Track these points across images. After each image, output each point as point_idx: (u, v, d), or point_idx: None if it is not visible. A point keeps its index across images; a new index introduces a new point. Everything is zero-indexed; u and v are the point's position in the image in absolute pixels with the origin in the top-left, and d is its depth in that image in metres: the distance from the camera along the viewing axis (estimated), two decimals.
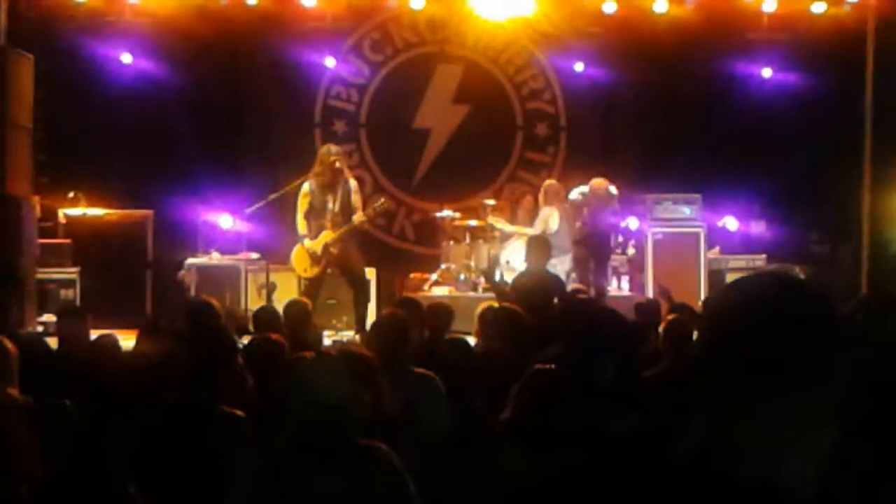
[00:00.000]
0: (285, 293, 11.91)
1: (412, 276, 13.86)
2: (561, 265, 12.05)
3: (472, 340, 7.59)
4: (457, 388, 5.79)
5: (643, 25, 14.32)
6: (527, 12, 14.21)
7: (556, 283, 10.03)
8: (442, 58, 15.27)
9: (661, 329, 6.90)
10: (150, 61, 14.09)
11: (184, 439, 4.42)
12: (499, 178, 15.31)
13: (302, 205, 11.32)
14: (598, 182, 12.88)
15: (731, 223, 14.44)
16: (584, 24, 14.77)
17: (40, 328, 11.08)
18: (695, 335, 5.19)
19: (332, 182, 11.22)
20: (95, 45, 13.89)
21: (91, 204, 13.61)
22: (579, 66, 14.96)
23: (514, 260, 12.75)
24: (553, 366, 4.88)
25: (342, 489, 3.63)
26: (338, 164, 11.25)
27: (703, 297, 12.52)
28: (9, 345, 5.02)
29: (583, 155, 15.09)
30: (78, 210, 13.54)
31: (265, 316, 8.06)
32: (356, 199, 11.35)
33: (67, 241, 13.10)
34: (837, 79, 14.21)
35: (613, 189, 12.99)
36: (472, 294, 12.73)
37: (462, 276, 13.13)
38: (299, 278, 11.63)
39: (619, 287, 13.63)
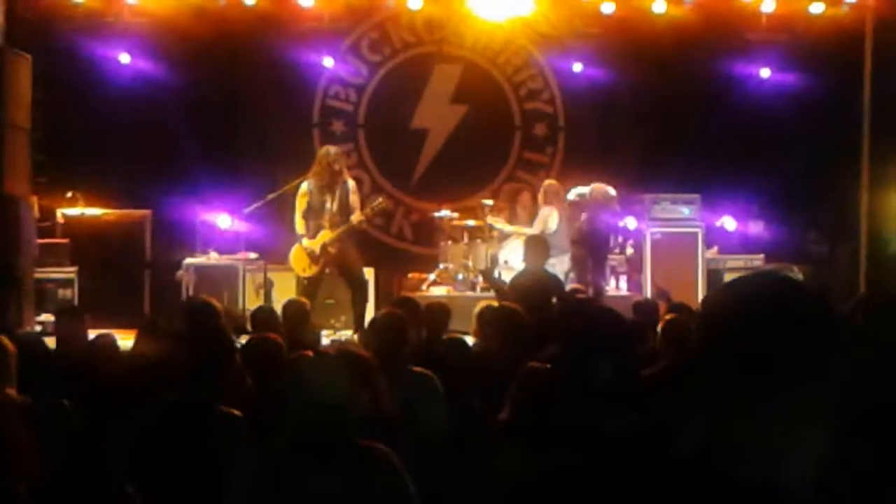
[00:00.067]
0: (283, 293, 11.92)
1: (410, 275, 13.86)
2: (560, 265, 12.06)
3: (470, 340, 7.59)
4: (455, 387, 5.79)
5: (642, 26, 14.32)
6: (525, 12, 14.20)
7: (554, 282, 10.03)
8: (440, 58, 15.26)
9: (659, 328, 6.90)
10: (149, 62, 14.08)
11: (181, 439, 4.42)
12: (497, 178, 15.30)
13: (300, 205, 11.32)
14: (598, 186, 12.91)
15: (729, 223, 14.44)
16: (582, 25, 14.77)
17: (38, 328, 11.08)
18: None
19: (330, 182, 11.22)
20: (93, 46, 13.88)
21: (89, 204, 13.60)
22: (578, 67, 14.96)
23: (512, 259, 12.76)
24: (548, 365, 4.88)
25: (341, 489, 3.63)
26: (336, 167, 11.25)
27: (701, 296, 12.52)
28: (7, 344, 5.02)
29: (581, 155, 15.10)
30: (76, 210, 13.54)
31: (263, 315, 8.06)
32: (354, 199, 11.36)
33: (65, 240, 13.10)
34: (836, 79, 14.21)
35: (612, 191, 13.00)
36: (469, 294, 12.72)
37: (460, 276, 13.13)
38: (297, 278, 11.63)
39: (617, 287, 13.64)
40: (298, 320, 7.90)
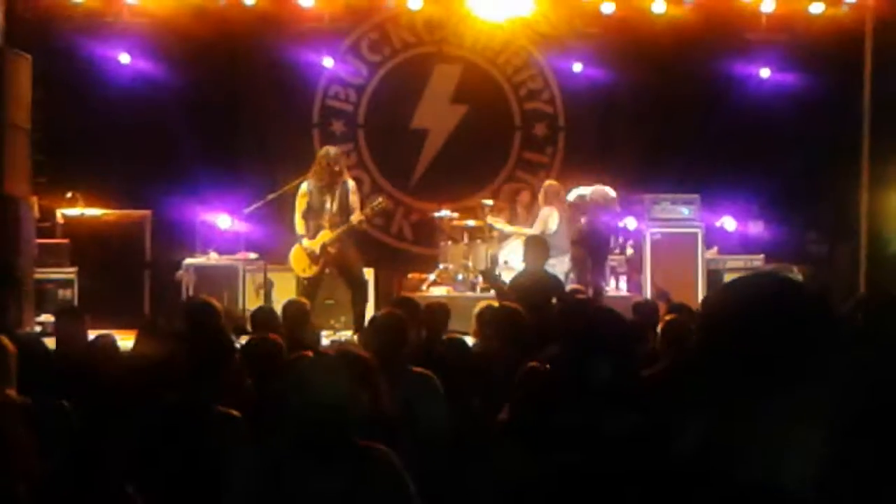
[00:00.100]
0: (283, 293, 11.91)
1: (410, 276, 13.86)
2: (560, 265, 12.05)
3: (469, 340, 7.59)
4: (454, 387, 5.79)
5: (641, 26, 14.33)
6: (525, 13, 14.20)
7: (554, 282, 10.04)
8: (440, 58, 15.27)
9: (659, 329, 6.90)
10: (148, 62, 14.08)
11: (181, 439, 4.41)
12: (497, 178, 15.31)
13: (300, 205, 11.32)
14: (598, 188, 12.93)
15: (729, 223, 14.44)
16: (582, 25, 14.77)
17: (38, 328, 11.08)
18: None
19: (330, 182, 11.22)
20: (93, 46, 13.88)
21: (89, 204, 13.60)
22: (578, 67, 14.96)
23: (512, 260, 12.76)
24: (547, 365, 4.88)
25: (341, 489, 3.63)
26: (336, 167, 11.25)
27: (701, 297, 12.51)
28: (8, 344, 5.02)
29: (581, 155, 15.10)
30: (76, 210, 13.54)
31: (263, 316, 8.06)
32: (354, 199, 11.35)
33: (65, 241, 13.10)
34: (835, 79, 14.21)
35: (612, 193, 13.01)
36: (469, 294, 12.72)
37: (460, 276, 13.13)
38: (297, 278, 11.63)
39: (616, 287, 13.64)
40: (298, 321, 7.89)
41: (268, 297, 12.55)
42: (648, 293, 12.78)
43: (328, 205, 11.23)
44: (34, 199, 12.19)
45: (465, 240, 13.39)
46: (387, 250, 14.92)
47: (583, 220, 12.77)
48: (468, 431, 5.63)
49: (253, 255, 13.12)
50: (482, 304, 7.80)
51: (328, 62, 14.79)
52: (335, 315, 12.64)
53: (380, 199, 12.15)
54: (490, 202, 13.70)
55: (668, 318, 6.98)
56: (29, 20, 12.94)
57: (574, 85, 15.14)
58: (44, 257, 12.32)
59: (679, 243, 13.39)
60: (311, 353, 5.45)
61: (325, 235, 11.24)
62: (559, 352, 4.11)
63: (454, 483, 5.20)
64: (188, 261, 13.01)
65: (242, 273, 12.98)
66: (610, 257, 13.40)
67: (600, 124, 15.35)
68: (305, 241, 11.30)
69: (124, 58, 14.03)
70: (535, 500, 3.25)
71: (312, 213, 11.28)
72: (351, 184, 11.46)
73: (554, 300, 9.09)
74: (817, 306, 1.79)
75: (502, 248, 13.21)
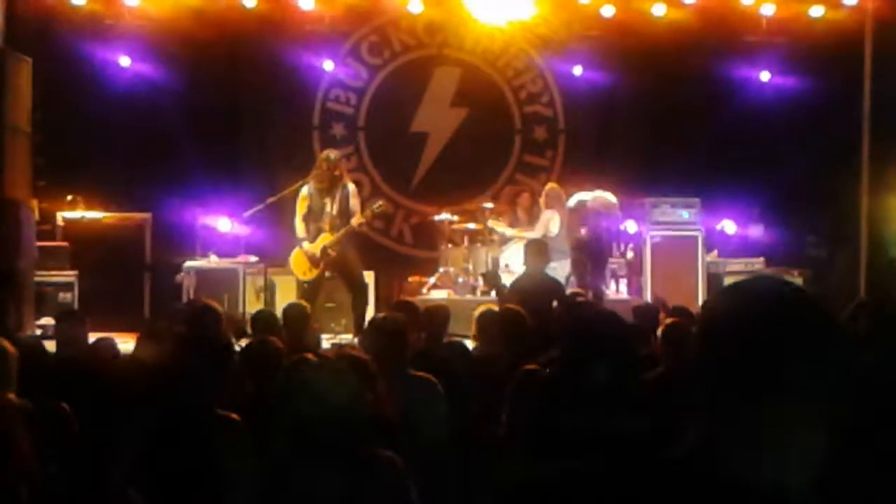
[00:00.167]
0: (284, 296, 11.93)
1: (410, 279, 13.87)
2: (561, 269, 12.05)
3: (469, 343, 7.59)
4: (454, 391, 5.79)
5: (642, 29, 14.34)
6: (525, 16, 14.21)
7: (555, 286, 10.04)
8: (440, 61, 15.28)
9: (659, 332, 6.90)
10: (149, 64, 14.09)
11: (180, 442, 4.41)
12: (497, 181, 15.32)
13: (300, 208, 11.32)
14: (599, 195, 12.96)
15: (729, 227, 14.45)
16: (582, 28, 14.78)
17: (38, 331, 11.07)
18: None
19: (330, 186, 11.22)
20: (94, 48, 13.89)
21: (89, 207, 13.61)
22: (578, 70, 14.98)
23: (513, 263, 12.75)
24: (546, 368, 4.88)
25: (344, 494, 3.62)
26: (337, 170, 11.26)
27: (701, 300, 12.51)
28: (8, 347, 5.02)
29: (581, 158, 15.12)
30: (76, 213, 13.54)
31: (264, 319, 8.06)
32: (354, 202, 11.35)
33: (65, 244, 13.10)
34: (835, 82, 14.21)
35: (613, 198, 13.02)
36: (470, 297, 12.73)
37: (460, 279, 13.13)
38: (298, 281, 11.63)
39: (617, 290, 13.64)
40: (299, 324, 7.89)
41: (270, 299, 12.55)
42: (648, 296, 12.78)
43: (328, 208, 11.23)
44: (34, 202, 12.18)
45: (466, 243, 13.40)
46: (387, 253, 14.92)
47: (583, 228, 12.77)
48: (468, 435, 5.63)
49: (253, 259, 13.13)
50: (482, 307, 7.80)
51: (328, 65, 14.80)
52: (335, 318, 12.64)
53: (380, 203, 12.15)
54: (490, 205, 13.71)
55: (668, 321, 6.97)
56: (29, 23, 12.95)
57: (574, 88, 15.16)
58: (44, 260, 12.32)
59: (679, 247, 13.39)
60: (311, 355, 5.45)
61: (326, 238, 11.24)
62: (559, 355, 4.11)
63: (455, 487, 5.21)
64: (188, 264, 13.01)
65: (243, 276, 12.98)
66: (610, 260, 13.40)
67: (600, 127, 15.35)
68: (306, 245, 11.30)
69: (125, 60, 14.04)
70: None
71: (313, 216, 11.28)
72: (351, 187, 11.47)
73: (554, 303, 9.09)
74: (817, 310, 1.79)
75: (503, 251, 13.21)
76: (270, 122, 14.82)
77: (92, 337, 7.42)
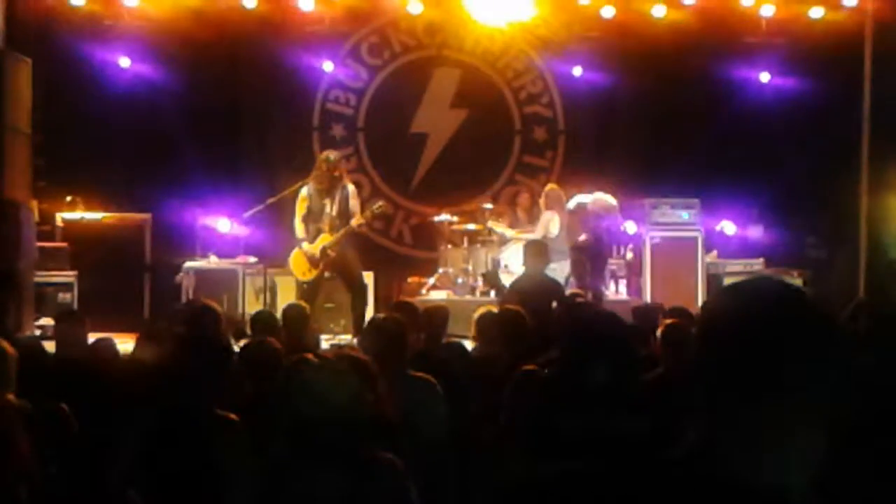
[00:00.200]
0: (283, 297, 11.92)
1: (410, 279, 13.87)
2: (560, 269, 12.05)
3: (468, 344, 7.59)
4: (453, 392, 5.78)
5: (641, 30, 14.34)
6: (525, 17, 14.20)
7: (554, 286, 10.04)
8: (440, 62, 15.28)
9: (658, 333, 6.90)
10: (148, 65, 14.10)
11: (179, 443, 4.41)
12: (497, 181, 15.32)
13: (300, 209, 11.32)
14: (599, 197, 12.96)
15: (728, 227, 14.46)
16: (582, 29, 14.78)
17: (38, 331, 11.07)
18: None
19: (330, 186, 11.21)
20: (93, 49, 13.90)
21: (89, 207, 13.61)
22: (577, 71, 14.98)
23: (512, 264, 12.76)
24: (545, 369, 4.88)
25: (345, 496, 3.61)
26: (336, 171, 11.25)
27: (700, 301, 12.51)
28: (7, 348, 5.02)
29: (581, 159, 15.12)
30: (76, 214, 13.55)
31: (263, 319, 8.05)
32: (354, 203, 11.35)
33: (65, 244, 13.10)
34: (835, 83, 14.22)
35: (613, 200, 13.03)
36: (469, 297, 12.73)
37: (460, 280, 13.14)
38: (297, 282, 11.63)
39: (616, 291, 13.64)
40: (298, 324, 7.89)
41: (273, 300, 12.54)
42: (648, 297, 12.78)
43: (328, 208, 11.23)
44: (34, 203, 12.19)
45: (465, 243, 13.41)
46: (386, 254, 14.92)
47: (583, 234, 12.78)
48: (467, 436, 5.63)
49: (253, 259, 13.13)
50: (482, 309, 7.79)
51: (328, 66, 14.81)
52: (335, 319, 12.64)
53: (380, 204, 12.14)
54: (490, 206, 13.72)
55: (667, 321, 6.97)
56: (29, 23, 12.95)
57: (574, 89, 15.16)
58: (44, 261, 12.31)
59: (679, 247, 13.38)
60: (310, 355, 5.45)
61: (325, 239, 11.23)
62: (559, 355, 4.11)
63: (454, 488, 5.20)
64: (188, 264, 13.02)
65: (242, 277, 12.98)
66: (610, 261, 13.40)
67: (600, 128, 15.36)
68: (305, 245, 11.30)
69: (124, 61, 14.05)
70: None
71: (312, 216, 11.28)
72: (351, 188, 11.47)
73: (554, 304, 9.09)
74: (816, 311, 1.79)
75: (502, 251, 13.21)
76: (270, 122, 14.82)
77: (91, 337, 7.42)
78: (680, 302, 10.02)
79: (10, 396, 4.84)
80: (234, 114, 14.67)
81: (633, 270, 13.68)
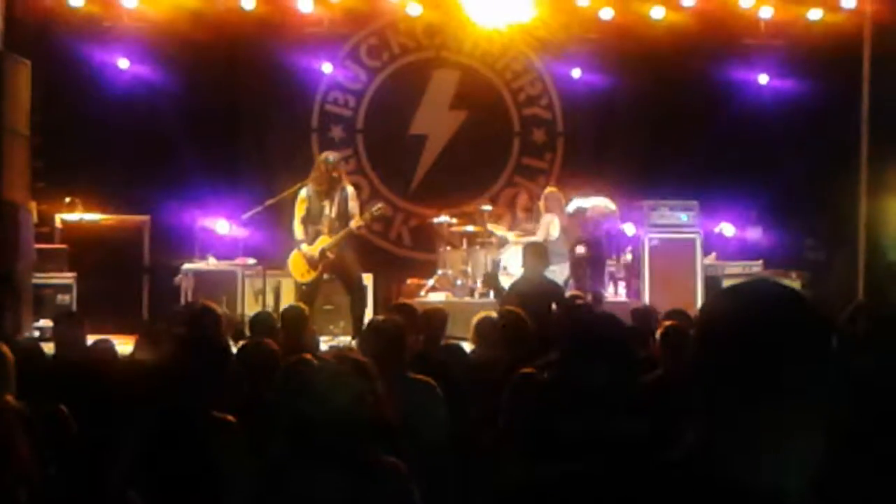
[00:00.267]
0: (287, 299, 11.90)
1: (409, 281, 13.87)
2: (561, 272, 12.06)
3: (467, 346, 7.58)
4: (452, 394, 5.78)
5: (640, 31, 14.34)
6: (524, 18, 14.20)
7: (553, 288, 10.03)
8: (439, 63, 15.28)
9: (657, 335, 6.90)
10: (147, 66, 14.10)
11: (177, 444, 4.41)
12: (496, 183, 15.32)
13: (299, 210, 11.32)
14: (598, 203, 12.97)
15: (727, 229, 14.45)
16: (581, 30, 14.78)
17: (37, 333, 11.07)
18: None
19: (329, 188, 11.22)
20: (92, 51, 13.90)
21: (88, 209, 13.61)
22: (576, 72, 14.98)
23: (511, 265, 12.75)
24: (544, 371, 4.88)
25: (346, 499, 3.60)
26: (335, 173, 11.26)
27: (699, 303, 12.50)
28: (6, 350, 5.02)
29: (580, 160, 15.12)
30: (75, 215, 13.55)
31: (262, 321, 8.05)
32: (353, 205, 11.35)
33: (64, 246, 13.11)
34: (834, 85, 14.21)
35: (612, 205, 13.04)
36: (468, 299, 12.74)
37: (459, 282, 13.14)
38: (296, 283, 11.63)
39: (615, 293, 13.64)
40: (298, 326, 7.88)
41: (276, 301, 12.51)
42: (647, 299, 12.77)
43: (327, 210, 11.23)
44: (33, 205, 12.18)
45: (464, 245, 13.41)
46: (385, 256, 14.92)
47: (581, 240, 12.79)
48: (467, 438, 5.62)
49: (251, 261, 13.13)
50: (480, 315, 7.75)
51: (327, 67, 14.81)
52: (334, 320, 12.64)
53: (379, 206, 12.14)
54: (489, 208, 13.72)
55: (666, 323, 6.98)
56: (28, 25, 12.95)
57: (573, 90, 15.16)
58: (42, 262, 12.32)
59: (677, 249, 13.37)
60: (309, 356, 5.45)
61: (324, 241, 11.23)
62: (558, 357, 4.11)
63: (453, 490, 5.20)
64: (187, 266, 13.02)
65: (241, 278, 12.99)
66: (608, 263, 13.40)
67: (599, 130, 15.36)
68: (304, 247, 11.30)
69: (123, 63, 14.05)
70: None
71: (311, 218, 11.28)
72: (350, 189, 11.47)
73: (553, 306, 9.09)
74: (815, 313, 1.80)
75: (501, 253, 13.21)
76: (269, 124, 14.82)
77: (90, 339, 7.41)
78: (679, 304, 10.01)
79: (9, 398, 4.84)
80: (232, 115, 14.67)
81: (632, 272, 13.68)
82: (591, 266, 12.66)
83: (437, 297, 12.78)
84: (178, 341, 5.15)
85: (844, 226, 14.28)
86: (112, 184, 13.71)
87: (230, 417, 4.61)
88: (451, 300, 12.50)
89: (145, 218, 13.70)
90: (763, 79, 14.85)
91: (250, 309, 11.90)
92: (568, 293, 10.81)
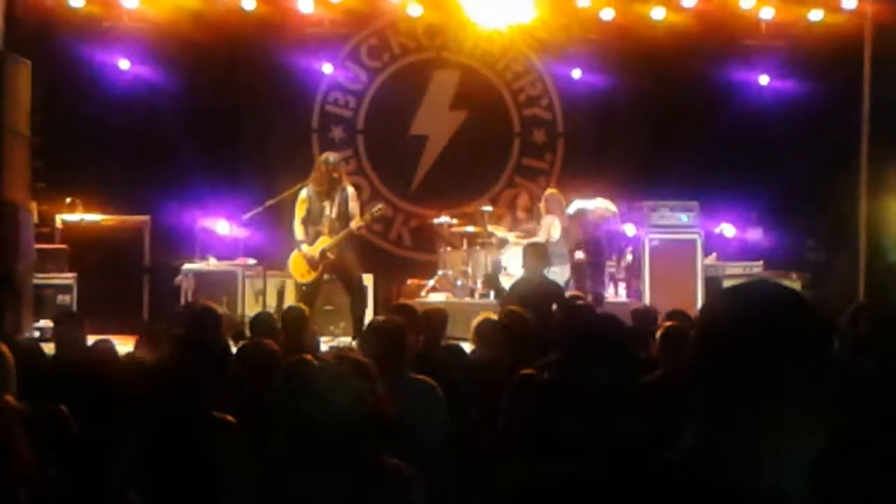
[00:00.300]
0: (291, 299, 11.89)
1: (409, 282, 13.87)
2: (561, 273, 12.05)
3: (467, 347, 7.58)
4: (452, 394, 5.78)
5: (641, 32, 14.34)
6: (524, 19, 14.20)
7: (554, 289, 10.03)
8: (439, 64, 15.28)
9: (657, 335, 6.90)
10: (148, 67, 14.10)
11: (178, 445, 4.41)
12: (496, 184, 15.32)
13: (299, 211, 11.32)
14: (599, 205, 12.97)
15: (727, 230, 14.45)
16: (581, 31, 14.78)
17: (37, 333, 11.08)
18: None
19: (329, 189, 11.22)
20: (93, 51, 13.90)
21: (88, 209, 13.62)
22: (577, 73, 14.98)
23: (511, 266, 12.75)
24: (545, 372, 4.88)
25: (347, 499, 3.60)
26: (336, 173, 11.26)
27: (699, 303, 12.50)
28: (6, 350, 5.02)
29: (580, 161, 15.12)
30: (75, 215, 13.55)
31: (262, 321, 8.05)
32: (353, 205, 11.36)
33: (64, 246, 13.11)
34: (834, 86, 14.21)
35: (613, 207, 13.03)
36: (468, 300, 12.74)
37: (459, 282, 13.14)
38: (296, 284, 11.63)
39: (616, 293, 13.64)
40: (298, 326, 7.88)
41: (280, 301, 12.50)
42: (647, 299, 12.77)
43: (327, 211, 11.24)
44: (33, 205, 12.19)
45: (465, 246, 13.41)
46: (386, 256, 14.92)
47: (580, 244, 12.79)
48: (467, 439, 5.62)
49: (252, 261, 13.13)
50: (480, 317, 7.74)
51: (327, 68, 14.81)
52: (334, 321, 12.64)
53: (379, 207, 12.14)
54: (489, 208, 13.72)
55: (666, 324, 6.98)
56: (28, 25, 12.95)
57: (573, 91, 15.16)
58: (43, 262, 12.32)
59: (678, 250, 13.36)
60: (309, 357, 5.45)
61: (325, 241, 11.24)
62: (558, 358, 4.11)
63: (454, 491, 5.20)
64: (187, 266, 13.02)
65: (241, 278, 12.99)
66: (609, 264, 13.40)
67: (599, 130, 15.35)
68: (304, 247, 11.30)
69: (124, 63, 14.05)
70: None
71: (312, 219, 11.28)
72: (350, 190, 11.47)
73: (554, 306, 9.09)
74: (815, 314, 1.80)
75: (502, 254, 13.21)
76: (269, 124, 14.83)
77: (90, 339, 7.41)
78: (679, 304, 10.01)
79: (9, 398, 4.84)
80: (233, 116, 14.67)
81: (633, 273, 13.67)
82: (591, 267, 12.66)
83: (437, 298, 12.78)
84: (179, 341, 5.15)
85: (845, 227, 14.28)
86: (112, 184, 13.72)
87: (230, 417, 4.61)
88: (451, 301, 12.50)
89: (146, 218, 13.70)
90: (763, 80, 14.85)
91: (250, 309, 11.90)
92: (568, 294, 10.81)
